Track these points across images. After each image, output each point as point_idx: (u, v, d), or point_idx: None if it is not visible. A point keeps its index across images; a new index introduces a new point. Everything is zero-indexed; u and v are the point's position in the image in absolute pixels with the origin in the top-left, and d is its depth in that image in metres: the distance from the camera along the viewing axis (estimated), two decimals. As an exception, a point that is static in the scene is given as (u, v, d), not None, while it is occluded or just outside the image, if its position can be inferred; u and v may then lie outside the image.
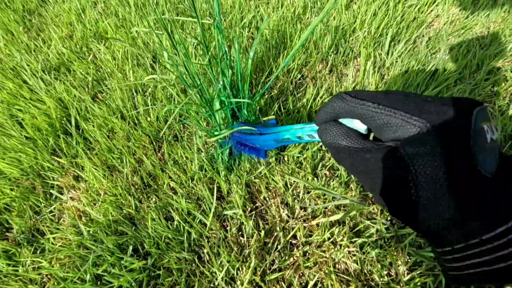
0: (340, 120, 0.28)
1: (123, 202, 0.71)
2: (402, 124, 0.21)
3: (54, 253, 0.66)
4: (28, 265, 0.67)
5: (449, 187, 0.19)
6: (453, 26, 0.93)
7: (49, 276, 0.65)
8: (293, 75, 0.88)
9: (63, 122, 0.89)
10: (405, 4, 0.99)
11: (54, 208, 0.74)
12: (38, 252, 0.69)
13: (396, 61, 0.85)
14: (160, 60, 0.96)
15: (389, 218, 0.63)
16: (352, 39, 0.94)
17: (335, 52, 0.92)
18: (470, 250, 0.20)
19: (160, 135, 0.81)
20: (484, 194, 0.19)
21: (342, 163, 0.26)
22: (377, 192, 0.23)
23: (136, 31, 1.06)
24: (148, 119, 0.85)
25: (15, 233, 0.72)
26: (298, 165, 0.71)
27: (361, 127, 0.26)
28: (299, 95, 0.82)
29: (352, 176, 0.26)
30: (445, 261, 0.21)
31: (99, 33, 1.13)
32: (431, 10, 0.98)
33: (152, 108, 0.84)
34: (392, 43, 0.89)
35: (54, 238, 0.69)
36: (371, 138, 0.27)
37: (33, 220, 0.74)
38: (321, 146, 0.72)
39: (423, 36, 0.91)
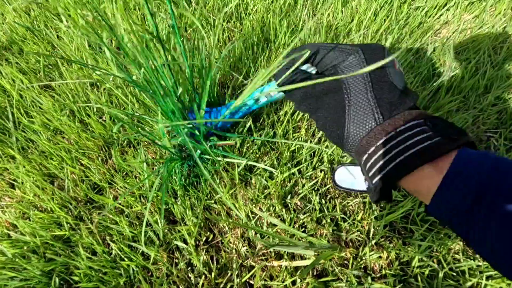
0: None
1: (59, 220, 0.61)
2: (337, 54, 0.28)
3: (-30, 276, 0.56)
4: None
5: (372, 93, 0.26)
6: (463, 36, 0.81)
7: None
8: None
9: (6, 112, 0.76)
10: (412, 5, 0.86)
11: (-22, 220, 0.63)
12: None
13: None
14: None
15: (362, 265, 0.54)
16: (346, 42, 0.81)
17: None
18: (388, 144, 0.24)
19: (111, 142, 0.69)
20: (395, 100, 0.26)
21: (296, 98, 0.31)
22: (322, 115, 0.29)
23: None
24: (102, 118, 0.73)
25: None
26: (266, 191, 0.61)
27: (311, 69, 0.33)
28: (276, 105, 0.71)
29: (303, 110, 0.32)
30: (368, 169, 0.26)
31: (62, 7, 0.98)
32: (440, 15, 0.85)
33: (105, 108, 0.72)
34: (391, 51, 0.77)
35: (-27, 256, 0.59)
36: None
37: (-45, 231, 0.63)
38: (293, 173, 0.61)
39: (427, 45, 0.79)
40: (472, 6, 0.85)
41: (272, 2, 0.89)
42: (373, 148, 0.25)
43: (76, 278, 0.55)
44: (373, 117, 0.26)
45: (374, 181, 0.25)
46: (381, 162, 0.25)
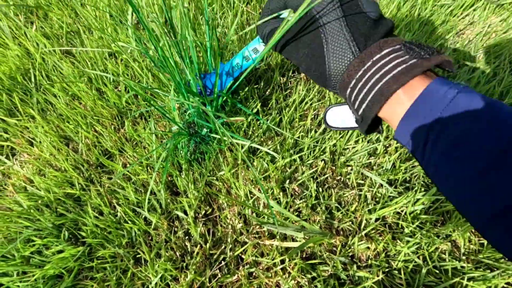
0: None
1: (71, 179, 0.65)
2: None
3: (-10, 221, 0.62)
4: (-37, 228, 0.63)
5: (347, 27, 0.27)
6: (486, 39, 0.78)
7: (-20, 245, 0.61)
8: (287, 66, 0.76)
9: (29, 75, 0.80)
10: (437, 2, 0.83)
11: (-1, 172, 0.68)
12: (-25, 216, 0.65)
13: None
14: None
15: (349, 253, 0.57)
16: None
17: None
18: (368, 72, 0.25)
19: (125, 112, 0.72)
20: (370, 30, 0.27)
21: (277, 45, 0.33)
22: (303, 57, 0.30)
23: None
24: (118, 88, 0.76)
25: (-45, 191, 0.67)
26: (266, 174, 0.63)
27: (291, 16, 0.32)
28: (286, 92, 0.72)
29: (287, 57, 0.34)
30: (353, 102, 0.27)
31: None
32: (466, 15, 0.82)
33: (121, 78, 0.75)
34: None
35: (-7, 204, 0.65)
36: None
37: (-23, 179, 0.69)
38: (294, 160, 0.63)
39: (449, 46, 0.77)
40: (501, 8, 0.82)
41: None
42: (354, 81, 0.26)
43: (84, 234, 0.60)
44: (350, 51, 0.27)
45: (359, 113, 0.27)
46: (362, 93, 0.26)
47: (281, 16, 0.34)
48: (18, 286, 0.55)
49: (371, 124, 0.28)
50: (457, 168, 0.21)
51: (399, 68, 0.24)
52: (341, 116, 0.35)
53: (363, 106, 0.26)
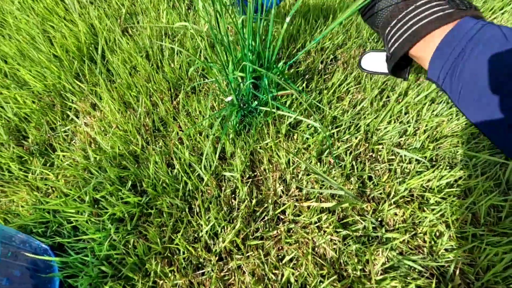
0: None
1: (132, 139, 0.74)
2: None
3: (62, 169, 0.71)
4: (37, 174, 0.72)
5: None
6: None
7: (53, 188, 0.71)
8: (326, 54, 0.84)
9: (90, 48, 0.90)
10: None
11: (68, 129, 0.78)
12: (47, 165, 0.74)
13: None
14: (195, 7, 0.93)
15: (378, 218, 0.64)
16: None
17: (376, 40, 0.86)
18: (409, 15, 0.29)
19: (179, 84, 0.81)
20: None
21: None
22: None
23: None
24: (172, 65, 0.85)
25: (30, 142, 0.77)
26: (305, 146, 0.71)
27: None
28: (325, 76, 0.79)
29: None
30: (389, 39, 0.31)
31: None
32: (494, 18, 0.88)
33: (177, 55, 0.83)
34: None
35: (64, 156, 0.74)
36: None
37: (48, 135, 0.78)
38: (332, 134, 0.71)
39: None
40: None
41: (335, -17, 0.96)
42: (395, 21, 0.30)
43: (144, 185, 0.68)
44: None
45: (391, 50, 0.31)
46: (399, 32, 0.30)
47: None
48: (89, 223, 0.64)
49: (399, 65, 0.32)
50: (483, 82, 0.24)
51: (436, 15, 0.28)
52: (375, 62, 0.39)
53: (396, 44, 0.30)
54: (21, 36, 0.88)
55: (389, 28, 0.31)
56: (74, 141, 0.77)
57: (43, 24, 0.93)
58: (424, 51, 0.29)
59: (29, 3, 0.97)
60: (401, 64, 0.33)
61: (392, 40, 0.31)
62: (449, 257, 0.58)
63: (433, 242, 0.60)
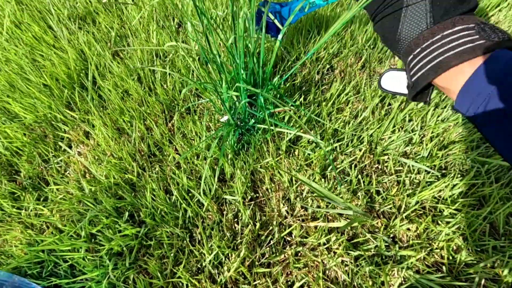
0: None
1: (127, 166, 0.71)
2: None
3: (56, 203, 0.68)
4: (31, 210, 0.69)
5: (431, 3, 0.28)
6: (512, 37, 0.82)
7: (48, 224, 0.68)
8: (322, 64, 0.82)
9: (81, 75, 0.88)
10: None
11: (61, 160, 0.75)
12: (41, 199, 0.71)
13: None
14: (184, 27, 0.91)
15: (390, 235, 0.60)
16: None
17: (372, 46, 0.84)
18: (435, 44, 0.27)
19: (173, 106, 0.79)
20: (451, 5, 0.28)
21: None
22: (380, 16, 0.32)
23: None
24: (164, 86, 0.83)
25: (23, 177, 0.74)
26: (308, 162, 0.68)
27: None
28: (323, 87, 0.77)
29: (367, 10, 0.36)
30: (412, 68, 0.29)
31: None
32: (492, 15, 0.86)
33: (169, 75, 0.81)
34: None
35: (57, 189, 0.71)
36: None
37: (41, 167, 0.76)
38: (335, 147, 0.68)
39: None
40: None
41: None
42: (418, 49, 0.28)
43: (142, 215, 0.65)
44: (425, 21, 0.28)
45: (413, 79, 0.29)
46: (422, 62, 0.28)
47: None
48: (86, 260, 0.60)
49: (420, 92, 0.30)
50: None
51: (464, 47, 0.25)
52: (396, 81, 0.37)
53: (419, 73, 0.28)
54: (10, 68, 0.86)
55: (411, 56, 0.29)
56: (68, 172, 0.75)
57: (32, 54, 0.91)
58: (450, 83, 0.27)
59: (17, 33, 0.96)
60: (422, 91, 0.31)
61: (415, 69, 0.29)
62: (470, 273, 0.54)
63: (451, 258, 0.56)
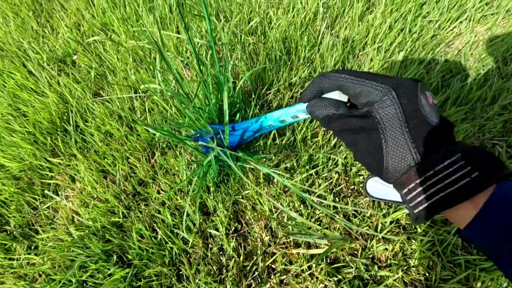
0: (324, 95, 0.34)
1: (114, 209, 0.73)
2: (371, 91, 0.28)
3: (46, 252, 0.70)
4: (22, 260, 0.71)
5: (409, 133, 0.27)
6: (474, 47, 0.86)
7: (40, 273, 0.69)
8: (295, 89, 0.85)
9: (64, 118, 0.90)
10: (425, 19, 0.91)
11: (49, 207, 0.77)
12: (32, 248, 0.73)
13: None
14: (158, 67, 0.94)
15: (369, 256, 0.63)
16: (362, 55, 0.88)
17: (341, 67, 0.87)
18: (428, 182, 0.26)
19: (153, 143, 0.81)
20: (431, 136, 0.27)
21: (333, 128, 0.33)
22: (359, 149, 0.30)
23: (140, 25, 1.04)
24: (145, 122, 0.85)
25: (12, 227, 0.76)
26: (286, 190, 0.70)
27: (342, 98, 0.32)
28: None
29: (340, 140, 0.36)
30: (409, 201, 0.28)
31: (106, 25, 1.12)
32: (454, 27, 0.90)
33: (149, 113, 0.84)
34: (403, 64, 0.83)
35: (47, 237, 0.73)
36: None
37: (30, 215, 0.78)
38: (310, 174, 0.70)
39: (441, 56, 0.84)
40: (485, 18, 0.89)
41: (294, 16, 0.97)
42: (412, 185, 0.27)
43: (130, 257, 0.67)
44: (411, 156, 0.27)
45: (415, 212, 0.28)
46: (420, 198, 0.27)
47: (328, 96, 0.33)
48: (78, 308, 0.62)
49: None
50: None
51: (464, 181, 0.25)
52: (383, 187, 0.35)
53: (419, 208, 0.27)
54: (-6, 118, 0.88)
55: (406, 190, 0.28)
56: (56, 217, 0.77)
57: (15, 102, 0.93)
58: (451, 216, 0.27)
59: (0, 82, 0.99)
60: None
61: (413, 204, 0.28)
62: (446, 288, 0.57)
63: (427, 274, 0.59)
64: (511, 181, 0.25)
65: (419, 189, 0.27)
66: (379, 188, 0.37)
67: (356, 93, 0.29)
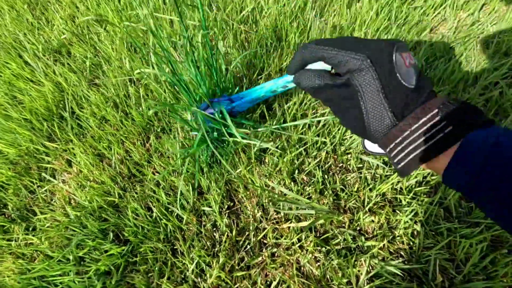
0: (308, 66, 0.36)
1: (110, 190, 0.75)
2: (349, 60, 0.30)
3: (44, 231, 0.72)
4: (20, 240, 0.73)
5: (385, 98, 0.29)
6: (457, 32, 0.89)
7: (38, 252, 0.71)
8: (285, 74, 0.87)
9: (60, 105, 0.92)
10: (411, 5, 0.94)
11: (46, 190, 0.79)
12: (30, 229, 0.75)
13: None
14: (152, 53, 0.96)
15: (357, 228, 0.65)
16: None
17: (330, 53, 0.90)
18: (407, 139, 0.29)
19: (148, 128, 0.83)
20: (408, 97, 0.29)
21: (319, 97, 0.35)
22: (344, 115, 0.34)
23: (135, 15, 1.06)
24: (139, 109, 0.87)
25: (10, 210, 0.78)
26: (277, 169, 0.73)
27: (326, 66, 0.35)
28: (286, 97, 0.82)
29: (327, 108, 0.38)
30: (392, 158, 0.31)
31: (100, 16, 1.13)
32: (438, 13, 0.93)
33: (143, 98, 0.86)
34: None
35: (45, 218, 0.75)
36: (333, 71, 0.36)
37: (28, 198, 0.79)
38: (300, 152, 0.73)
39: (425, 41, 0.87)
40: (467, 4, 0.93)
41: (284, 5, 1.00)
42: (392, 145, 0.30)
43: (126, 234, 0.69)
44: (388, 120, 0.30)
45: (398, 167, 0.32)
46: (400, 155, 0.30)
47: (311, 67, 0.35)
48: (76, 283, 0.64)
49: None
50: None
51: (437, 137, 0.27)
52: None
53: (401, 164, 0.30)
54: (-9, 106, 0.90)
55: (388, 149, 0.31)
56: (53, 200, 0.78)
57: (11, 91, 0.95)
58: (435, 169, 0.30)
59: (-4, 71, 1.00)
60: None
61: (395, 160, 0.31)
62: (429, 255, 0.59)
63: (411, 243, 0.61)
64: (483, 129, 0.27)
65: (398, 148, 0.30)
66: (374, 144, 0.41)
67: (335, 64, 0.31)
